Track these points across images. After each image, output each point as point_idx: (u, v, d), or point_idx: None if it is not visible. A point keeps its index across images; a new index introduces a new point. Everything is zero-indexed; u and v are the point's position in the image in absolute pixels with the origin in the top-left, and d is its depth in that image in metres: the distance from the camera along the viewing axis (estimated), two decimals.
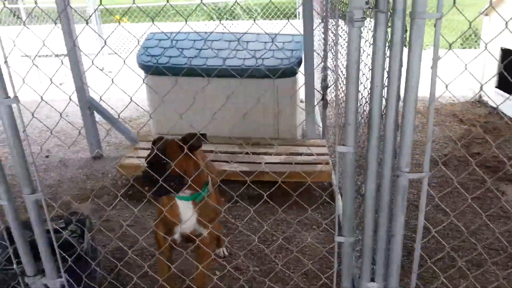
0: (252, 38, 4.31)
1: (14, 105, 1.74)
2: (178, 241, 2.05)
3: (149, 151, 1.90)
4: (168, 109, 4.16)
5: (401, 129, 1.51)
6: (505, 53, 5.42)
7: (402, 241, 1.62)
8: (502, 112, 5.28)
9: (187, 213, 1.96)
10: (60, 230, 2.14)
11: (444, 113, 5.38)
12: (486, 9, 5.88)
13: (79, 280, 2.04)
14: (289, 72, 3.91)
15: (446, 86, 1.53)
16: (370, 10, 1.47)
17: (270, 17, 11.56)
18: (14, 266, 1.95)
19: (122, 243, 2.80)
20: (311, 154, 3.53)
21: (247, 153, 3.71)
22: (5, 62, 1.72)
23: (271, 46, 4.06)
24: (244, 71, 3.85)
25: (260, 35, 4.39)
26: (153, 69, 4.13)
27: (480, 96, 5.97)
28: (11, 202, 1.86)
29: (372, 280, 1.73)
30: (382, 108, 1.56)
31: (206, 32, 4.65)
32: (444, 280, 1.86)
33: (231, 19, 12.22)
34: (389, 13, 1.45)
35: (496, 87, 5.56)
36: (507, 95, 5.26)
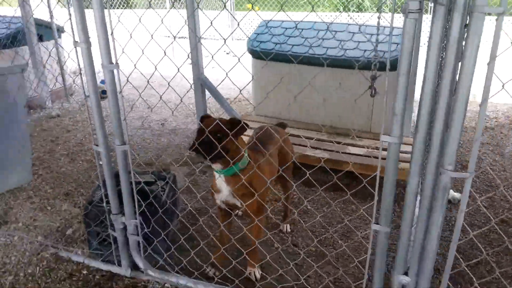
0: (359, 30, 4.29)
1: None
2: (222, 206, 2.27)
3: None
4: (269, 92, 4.39)
5: (449, 125, 1.48)
6: None
7: (438, 239, 1.59)
8: None
9: (221, 184, 2.20)
10: (141, 181, 2.47)
11: None
12: None
13: (155, 227, 2.38)
14: (391, 66, 3.82)
15: (503, 85, 1.45)
16: (429, 1, 1.45)
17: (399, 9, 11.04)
18: (104, 204, 2.34)
19: (200, 204, 3.13)
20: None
21: (333, 141, 3.76)
22: (111, 34, 2.06)
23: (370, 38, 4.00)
24: (345, 62, 3.88)
25: (368, 27, 4.34)
26: (258, 54, 4.38)
27: None
28: (106, 150, 2.24)
29: (406, 273, 1.73)
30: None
31: (315, 22, 4.72)
32: (478, 286, 1.76)
33: (357, 11, 12.00)
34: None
35: None
36: None
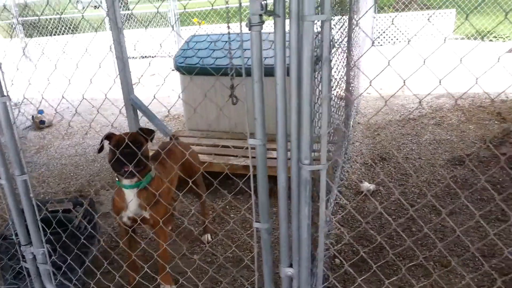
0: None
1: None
2: (128, 223, 2.33)
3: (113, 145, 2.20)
4: (199, 106, 4.49)
5: (300, 123, 1.62)
6: None
7: (309, 230, 1.72)
8: None
9: (130, 199, 2.25)
10: (45, 210, 2.50)
11: (489, 111, 5.06)
12: None
13: (70, 253, 2.41)
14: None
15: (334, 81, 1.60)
16: (268, 14, 1.58)
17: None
18: (13, 236, 2.36)
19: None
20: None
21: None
22: None
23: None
24: (247, 70, 4.03)
25: (270, 34, 4.54)
26: (183, 69, 4.48)
27: None
28: (9, 182, 2.26)
29: (291, 265, 1.84)
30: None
31: (238, 33, 4.87)
32: (348, 268, 1.90)
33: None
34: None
35: None
36: None
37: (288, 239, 1.81)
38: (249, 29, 1.59)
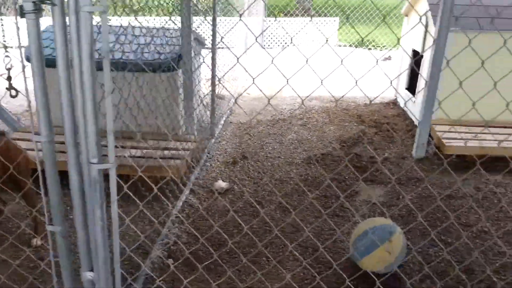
0: (142, 32, 4.33)
1: None
2: None
3: None
4: (53, 101, 4.18)
5: (85, 120, 1.53)
6: (415, 54, 5.47)
7: (104, 232, 1.64)
8: (401, 111, 5.33)
9: None
10: None
11: (351, 113, 5.42)
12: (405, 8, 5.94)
13: None
14: (169, 67, 3.94)
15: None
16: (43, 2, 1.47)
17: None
18: None
19: None
20: (175, 149, 3.57)
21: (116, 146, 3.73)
22: None
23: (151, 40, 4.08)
24: (124, 65, 3.87)
25: (153, 29, 4.41)
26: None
27: (396, 98, 6.04)
28: None
29: (92, 269, 1.75)
30: None
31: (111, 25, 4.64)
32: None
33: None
34: None
35: (406, 88, 5.62)
36: (412, 97, 5.33)
37: (86, 242, 1.71)
38: (21, 17, 1.46)
